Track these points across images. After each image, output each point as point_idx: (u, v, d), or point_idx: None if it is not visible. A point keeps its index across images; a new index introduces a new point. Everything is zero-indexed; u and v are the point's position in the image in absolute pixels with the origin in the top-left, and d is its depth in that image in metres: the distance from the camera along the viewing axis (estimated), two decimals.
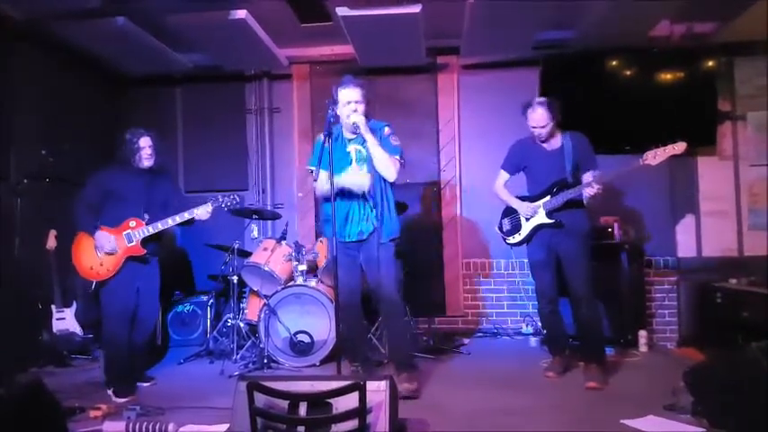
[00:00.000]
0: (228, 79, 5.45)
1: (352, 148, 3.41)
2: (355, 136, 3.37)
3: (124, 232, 3.46)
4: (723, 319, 4.18)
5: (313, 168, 3.24)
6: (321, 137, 3.21)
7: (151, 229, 3.47)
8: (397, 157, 3.33)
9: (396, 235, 3.41)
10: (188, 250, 5.44)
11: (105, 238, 3.42)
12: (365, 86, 3.35)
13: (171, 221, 3.48)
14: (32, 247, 4.16)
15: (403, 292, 3.43)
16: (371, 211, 3.36)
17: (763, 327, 3.56)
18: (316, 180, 3.24)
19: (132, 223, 3.47)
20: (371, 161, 3.30)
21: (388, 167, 3.29)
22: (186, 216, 3.49)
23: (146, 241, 3.50)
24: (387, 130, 3.40)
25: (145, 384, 3.68)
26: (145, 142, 3.54)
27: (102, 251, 3.43)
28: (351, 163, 3.38)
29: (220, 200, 3.56)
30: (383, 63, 4.88)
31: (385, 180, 3.35)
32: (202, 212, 3.49)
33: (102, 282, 3.47)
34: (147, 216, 3.49)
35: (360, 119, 3.24)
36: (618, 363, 3.94)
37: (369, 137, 3.25)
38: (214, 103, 5.50)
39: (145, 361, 3.83)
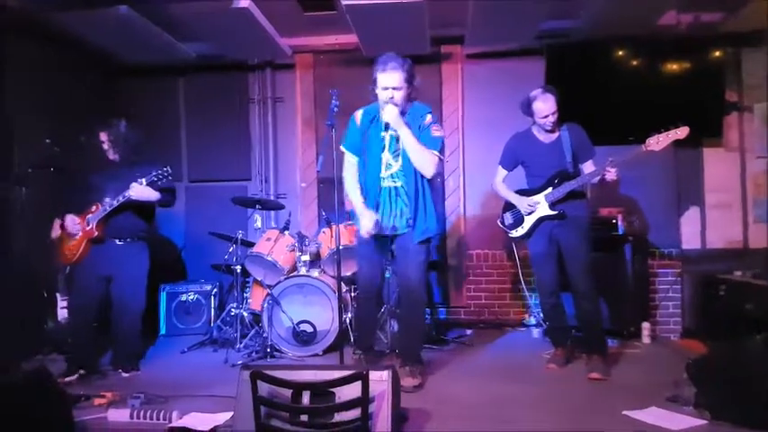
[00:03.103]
0: (231, 69, 5.42)
1: (387, 133, 3.15)
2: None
3: (87, 216, 3.61)
4: (727, 312, 4.16)
5: (345, 151, 3.16)
6: (356, 115, 3.13)
7: (101, 212, 3.54)
8: (435, 152, 3.07)
9: (432, 233, 3.21)
10: (185, 240, 5.45)
11: (70, 219, 3.60)
12: (407, 68, 3.05)
13: (116, 203, 3.52)
14: (38, 237, 4.17)
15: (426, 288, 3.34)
16: (405, 206, 3.14)
17: (766, 319, 3.55)
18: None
19: (93, 207, 3.60)
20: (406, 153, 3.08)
21: (424, 163, 3.04)
22: (126, 195, 3.47)
23: (121, 226, 3.61)
24: (429, 117, 3.13)
25: (125, 374, 3.68)
26: (103, 137, 3.67)
27: (69, 231, 3.61)
28: (383, 149, 3.14)
29: (153, 174, 3.48)
30: (387, 52, 4.83)
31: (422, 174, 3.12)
32: (134, 192, 3.47)
33: (72, 267, 3.72)
34: (106, 201, 3.56)
35: (391, 115, 2.98)
36: (621, 354, 3.94)
37: (403, 132, 3.01)
38: (217, 92, 5.47)
39: (132, 349, 3.82)
